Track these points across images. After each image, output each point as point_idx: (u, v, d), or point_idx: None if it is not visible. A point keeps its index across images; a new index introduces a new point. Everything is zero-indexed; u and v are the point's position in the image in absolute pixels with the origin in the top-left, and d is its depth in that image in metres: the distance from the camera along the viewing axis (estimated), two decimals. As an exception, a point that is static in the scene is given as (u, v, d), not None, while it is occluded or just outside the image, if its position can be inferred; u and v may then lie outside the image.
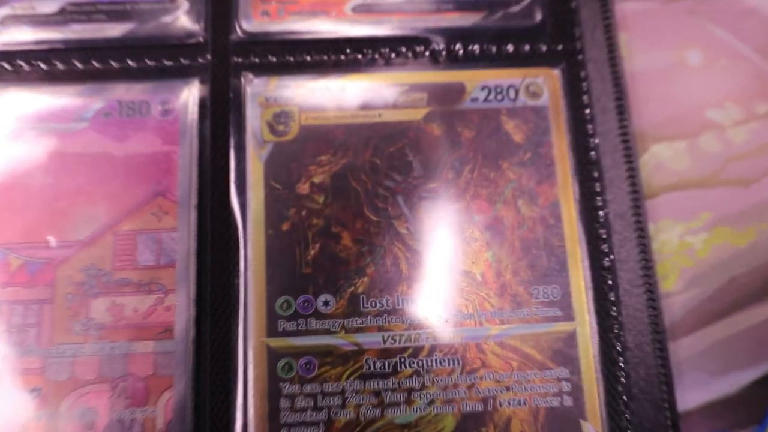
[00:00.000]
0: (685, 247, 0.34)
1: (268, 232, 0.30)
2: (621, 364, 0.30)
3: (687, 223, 0.34)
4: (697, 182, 0.35)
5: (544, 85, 0.33)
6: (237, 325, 0.29)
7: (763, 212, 0.35)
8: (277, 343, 0.29)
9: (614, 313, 0.30)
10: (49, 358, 0.28)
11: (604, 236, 0.31)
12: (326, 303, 0.30)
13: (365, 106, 0.32)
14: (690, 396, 0.32)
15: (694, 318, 0.33)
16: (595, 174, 0.32)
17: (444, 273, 0.30)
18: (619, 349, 0.30)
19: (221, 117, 0.32)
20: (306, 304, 0.30)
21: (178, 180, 0.30)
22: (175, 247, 0.30)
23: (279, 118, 0.32)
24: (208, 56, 0.32)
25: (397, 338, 0.29)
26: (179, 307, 0.29)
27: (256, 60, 0.32)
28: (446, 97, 0.32)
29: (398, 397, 0.29)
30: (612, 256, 0.31)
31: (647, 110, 0.36)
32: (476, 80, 0.33)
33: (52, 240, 0.29)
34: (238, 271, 0.30)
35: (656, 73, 0.37)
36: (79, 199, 0.30)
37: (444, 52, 0.33)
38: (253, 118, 0.32)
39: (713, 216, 0.35)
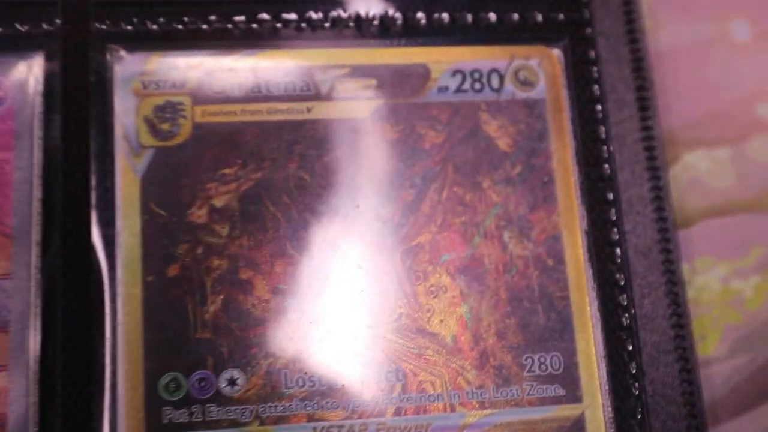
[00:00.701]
0: (731, 295, 0.35)
1: (146, 279, 0.30)
2: (646, 463, 0.30)
3: (733, 261, 0.35)
4: (747, 205, 0.36)
5: (540, 69, 0.33)
6: (101, 420, 0.28)
7: (833, 247, 0.36)
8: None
9: (636, 391, 0.31)
10: None
11: (622, 283, 0.32)
12: (232, 382, 0.29)
13: (288, 97, 0.32)
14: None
15: (742, 394, 0.34)
16: (610, 196, 0.33)
17: (400, 337, 0.30)
18: (644, 441, 0.31)
19: (77, 110, 0.31)
20: (203, 384, 0.29)
21: (12, 203, 0.30)
22: (8, 303, 0.29)
23: (163, 113, 0.31)
24: (58, 21, 0.32)
25: (333, 431, 0.29)
26: (14, 393, 0.28)
27: (129, 27, 0.32)
28: (403, 85, 0.33)
29: None
30: (633, 311, 0.32)
31: (678, 105, 0.37)
32: (445, 62, 0.33)
33: None
34: (103, 338, 0.29)
35: (689, 52, 0.38)
36: None
37: (400, 22, 0.33)
38: (125, 113, 0.31)
39: (768, 252, 0.36)
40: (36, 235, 0.30)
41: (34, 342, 0.29)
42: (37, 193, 0.30)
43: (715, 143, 0.37)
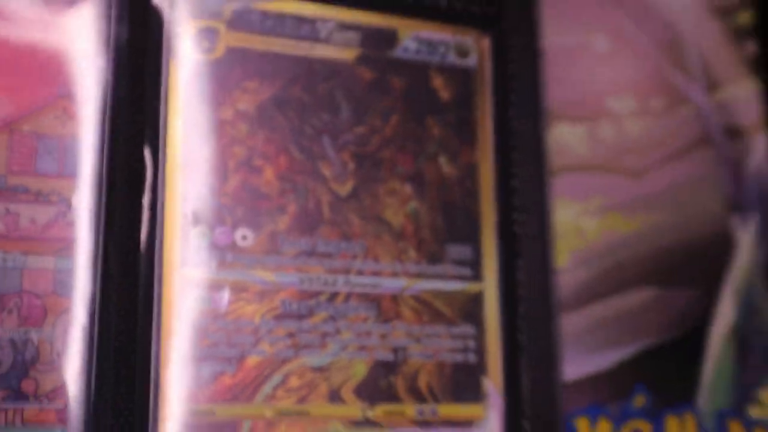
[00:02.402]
0: (578, 228, 0.47)
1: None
2: (520, 329, 0.42)
3: (582, 204, 0.48)
4: (593, 167, 0.49)
5: (474, 46, 0.45)
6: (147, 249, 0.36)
7: (649, 204, 0.49)
8: (190, 273, 0.37)
9: (518, 280, 0.43)
10: (-74, 264, 0.34)
11: (515, 205, 0.44)
12: (244, 237, 0.38)
13: (297, 36, 0.41)
14: (570, 368, 0.45)
15: (580, 296, 0.47)
16: (512, 143, 0.44)
17: (364, 221, 0.41)
18: (520, 313, 0.42)
19: (138, 25, 0.39)
20: (222, 236, 0.38)
21: (89, 86, 0.37)
22: (82, 158, 0.37)
23: (204, 34, 0.40)
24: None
25: (315, 281, 0.39)
26: (83, 223, 0.36)
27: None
28: (378, 41, 0.43)
29: (312, 339, 0.38)
30: (517, 228, 0.44)
31: (554, 89, 0.49)
32: (409, 30, 0.44)
33: (-68, 130, 0.35)
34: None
35: (565, 52, 0.50)
36: (-31, 88, 0.36)
37: (380, -5, 0.43)
38: (177, 29, 0.39)
39: (605, 201, 0.49)
40: (102, 103, 0.37)
41: (101, 188, 0.37)
42: (110, 74, 0.38)
43: (576, 121, 0.50)
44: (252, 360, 0.37)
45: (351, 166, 0.41)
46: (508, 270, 0.43)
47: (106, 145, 0.37)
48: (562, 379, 0.43)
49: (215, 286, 0.38)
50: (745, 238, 0.51)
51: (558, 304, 0.44)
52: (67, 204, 0.36)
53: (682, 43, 0.53)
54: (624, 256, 0.48)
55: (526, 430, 0.41)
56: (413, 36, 0.44)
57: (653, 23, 0.53)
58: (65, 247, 0.36)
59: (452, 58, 0.44)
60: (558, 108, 0.49)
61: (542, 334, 0.43)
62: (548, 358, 0.43)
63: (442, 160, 0.43)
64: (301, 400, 0.38)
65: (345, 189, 0.41)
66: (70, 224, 0.36)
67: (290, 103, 0.41)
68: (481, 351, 0.41)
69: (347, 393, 0.39)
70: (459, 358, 0.41)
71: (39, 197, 0.36)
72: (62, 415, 0.35)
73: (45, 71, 0.37)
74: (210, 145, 0.39)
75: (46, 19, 0.37)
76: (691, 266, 0.49)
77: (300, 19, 0.42)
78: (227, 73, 0.40)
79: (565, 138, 0.49)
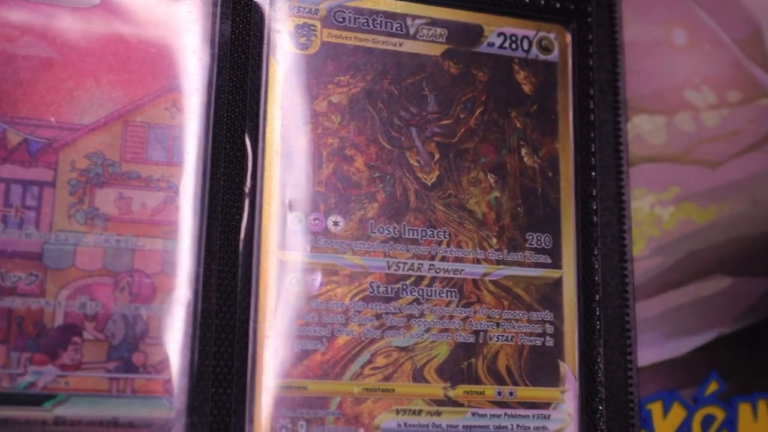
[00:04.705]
0: (654, 217, 0.48)
1: (282, 144, 0.39)
2: (597, 315, 0.43)
3: (658, 194, 0.48)
4: (671, 157, 0.49)
5: (556, 41, 0.45)
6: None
7: (724, 194, 0.49)
8: (286, 256, 0.39)
9: (595, 268, 0.43)
10: (47, 244, 0.36)
11: (594, 194, 0.44)
12: (336, 223, 0.40)
13: (387, 33, 0.42)
14: (645, 354, 0.46)
15: (655, 283, 0.47)
16: (592, 135, 0.45)
17: (448, 209, 0.41)
18: (597, 300, 0.43)
19: (240, 22, 0.40)
20: (316, 221, 0.39)
21: (195, 79, 0.39)
22: (188, 147, 0.38)
23: (301, 31, 0.41)
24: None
25: (401, 266, 0.40)
26: (188, 208, 0.38)
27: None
28: (465, 37, 0.43)
29: (398, 321, 0.40)
30: (597, 216, 0.44)
31: (634, 81, 0.49)
32: (493, 25, 0.44)
33: (54, 120, 0.37)
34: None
35: (645, 46, 0.50)
36: (87, 81, 0.37)
37: (466, -7, 0.44)
38: (276, 26, 0.40)
39: (681, 191, 0.49)
40: (205, 98, 0.39)
41: (203, 174, 0.38)
42: (214, 70, 0.39)
43: (655, 112, 0.49)
44: (341, 339, 0.39)
45: (436, 156, 0.42)
46: (586, 258, 0.43)
47: (209, 135, 0.39)
48: (637, 365, 0.43)
49: (309, 269, 0.39)
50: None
51: (634, 291, 0.44)
52: (175, 190, 0.38)
53: (760, 36, 0.52)
54: (699, 245, 0.48)
55: (602, 414, 0.42)
56: (498, 31, 0.44)
57: (731, 17, 0.52)
58: (172, 230, 0.37)
59: (535, 52, 0.44)
60: (637, 100, 0.49)
61: (618, 320, 0.43)
62: (624, 343, 0.43)
63: (524, 151, 0.43)
64: (387, 378, 0.39)
65: (430, 178, 0.41)
66: (177, 208, 0.38)
67: (380, 95, 0.41)
68: (558, 336, 0.42)
69: (430, 373, 0.40)
70: (537, 342, 0.41)
71: (149, 183, 0.37)
72: (168, 386, 0.36)
73: (156, 66, 0.38)
74: (305, 135, 0.40)
75: (157, 18, 0.39)
76: (765, 255, 0.49)
77: (391, 16, 0.42)
78: (322, 67, 0.41)
79: (643, 129, 0.49)
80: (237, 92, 0.39)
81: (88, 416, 0.35)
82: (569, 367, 0.42)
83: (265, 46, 0.40)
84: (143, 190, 0.37)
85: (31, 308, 0.35)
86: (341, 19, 0.42)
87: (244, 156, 0.39)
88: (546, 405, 0.41)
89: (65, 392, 0.35)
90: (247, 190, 0.39)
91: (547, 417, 0.41)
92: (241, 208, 0.39)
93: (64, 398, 0.35)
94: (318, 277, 0.39)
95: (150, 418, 0.36)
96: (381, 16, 0.42)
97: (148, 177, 0.38)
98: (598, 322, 0.43)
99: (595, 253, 0.43)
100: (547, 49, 0.45)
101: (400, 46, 0.42)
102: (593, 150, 0.44)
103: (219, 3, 0.40)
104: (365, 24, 0.42)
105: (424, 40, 0.43)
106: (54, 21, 0.37)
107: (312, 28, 0.41)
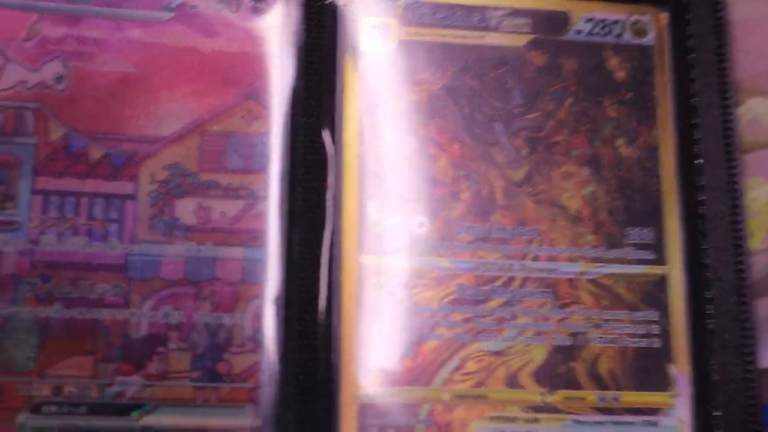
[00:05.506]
0: (773, 206, 0.43)
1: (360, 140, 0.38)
2: (708, 314, 0.39)
3: (777, 182, 0.44)
4: (790, 142, 0.45)
5: (651, 24, 0.42)
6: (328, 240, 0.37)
7: None
8: (368, 260, 0.37)
9: (705, 263, 0.40)
10: (131, 255, 0.36)
11: (701, 184, 0.40)
12: (421, 225, 0.38)
13: (467, 27, 0.40)
14: (766, 355, 0.41)
15: (777, 278, 0.43)
16: (695, 121, 0.41)
17: (539, 205, 0.39)
18: (708, 297, 0.39)
19: (315, 25, 0.39)
20: (400, 224, 0.38)
21: (271, 85, 0.38)
22: (266, 153, 0.38)
23: (377, 30, 0.40)
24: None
25: (490, 267, 0.38)
26: (269, 215, 0.37)
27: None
28: (550, 25, 0.41)
29: (489, 324, 0.37)
30: (705, 207, 0.40)
31: (746, 61, 0.45)
32: (581, 11, 0.41)
33: (133, 134, 0.37)
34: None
35: (757, 23, 0.46)
36: (164, 94, 0.38)
37: (549, -22, 0.42)
38: (352, 27, 0.39)
39: (804, 178, 0.44)
40: (284, 107, 0.38)
41: (282, 181, 0.37)
42: (289, 78, 0.39)
43: (770, 95, 0.45)
44: (430, 344, 0.37)
45: (524, 151, 0.40)
46: (694, 252, 0.40)
47: (288, 140, 0.38)
48: (757, 366, 0.40)
49: (393, 273, 0.37)
50: None
51: (752, 287, 0.41)
52: (254, 197, 0.37)
53: None
54: (826, 236, 0.43)
55: (718, 420, 0.38)
56: (586, 17, 0.42)
57: None
58: (252, 238, 0.37)
59: (628, 37, 0.42)
60: (748, 81, 0.45)
61: (734, 319, 0.39)
62: (741, 344, 0.39)
63: (620, 142, 0.40)
64: (479, 384, 0.37)
65: (519, 174, 0.39)
66: (257, 216, 0.37)
67: (462, 91, 0.40)
68: (665, 336, 0.39)
69: (525, 378, 0.37)
70: (642, 343, 0.38)
71: (228, 192, 0.37)
72: (253, 395, 0.36)
73: (231, 75, 0.38)
74: (385, 136, 0.39)
75: (230, 27, 0.39)
76: None
77: (470, 9, 0.41)
78: (400, 65, 0.40)
79: (758, 112, 0.45)
80: (314, 96, 0.39)
81: (175, 425, 0.35)
82: (680, 371, 0.38)
83: (340, 48, 0.39)
84: (222, 199, 0.37)
85: (117, 319, 0.35)
86: (418, 16, 0.40)
87: (324, 160, 0.38)
88: (654, 411, 0.38)
89: (152, 402, 0.35)
90: (327, 194, 0.38)
91: (655, 424, 0.37)
92: (322, 213, 0.38)
93: (151, 408, 0.35)
94: (403, 281, 0.37)
95: (236, 426, 0.35)
96: (459, 10, 0.41)
97: (226, 185, 0.37)
98: (710, 322, 0.39)
99: (704, 247, 0.40)
100: (641, 33, 0.42)
101: (481, 39, 0.41)
102: (697, 137, 0.41)
103: (294, 9, 0.39)
104: (443, 19, 0.40)
105: (506, 32, 0.41)
106: (130, 36, 0.38)
107: (388, 26, 0.40)
